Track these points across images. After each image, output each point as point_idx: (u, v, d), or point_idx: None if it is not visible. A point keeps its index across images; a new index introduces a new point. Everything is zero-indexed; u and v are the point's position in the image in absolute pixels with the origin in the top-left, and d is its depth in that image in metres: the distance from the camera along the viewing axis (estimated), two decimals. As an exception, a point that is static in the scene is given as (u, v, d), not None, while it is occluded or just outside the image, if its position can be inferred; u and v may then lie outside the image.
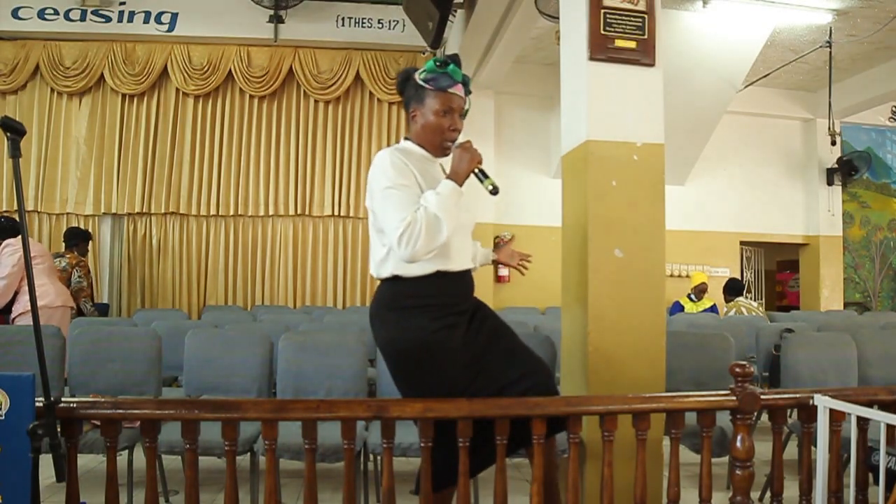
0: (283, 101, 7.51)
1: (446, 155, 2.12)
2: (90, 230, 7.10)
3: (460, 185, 2.00)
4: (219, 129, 7.39)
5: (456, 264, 2.06)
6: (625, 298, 2.70)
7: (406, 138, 2.18)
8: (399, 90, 2.20)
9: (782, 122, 8.68)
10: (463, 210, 2.04)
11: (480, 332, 2.11)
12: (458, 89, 2.08)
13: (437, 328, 2.00)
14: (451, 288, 2.05)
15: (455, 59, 2.10)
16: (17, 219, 4.56)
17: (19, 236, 4.50)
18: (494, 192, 2.03)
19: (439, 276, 2.01)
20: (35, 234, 7.01)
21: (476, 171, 2.04)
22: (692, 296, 7.01)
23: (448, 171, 2.06)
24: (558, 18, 3.20)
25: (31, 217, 7.04)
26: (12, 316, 4.40)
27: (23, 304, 4.38)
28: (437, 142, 2.10)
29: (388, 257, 2.03)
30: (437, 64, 2.06)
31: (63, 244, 5.74)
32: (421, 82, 2.08)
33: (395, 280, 2.04)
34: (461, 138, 2.13)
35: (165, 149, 7.27)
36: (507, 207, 7.68)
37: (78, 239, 5.69)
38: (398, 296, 2.04)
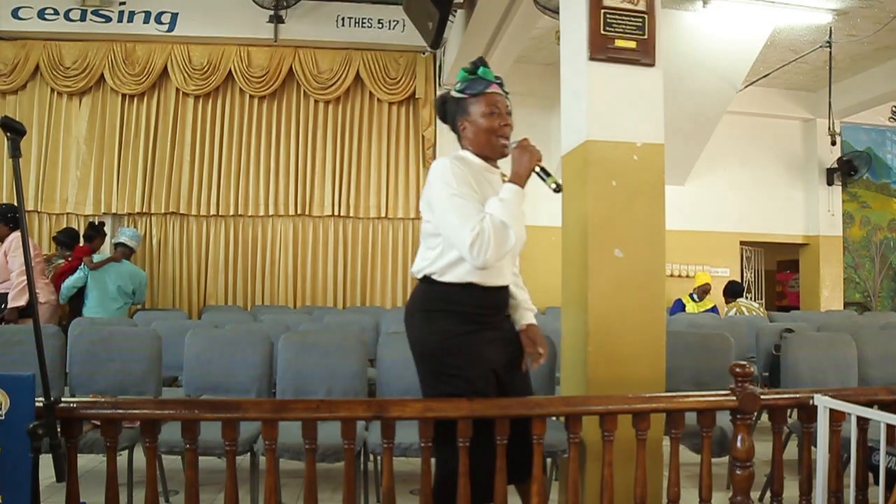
0: (283, 101, 7.50)
1: (504, 156, 2.12)
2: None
3: (522, 186, 2.01)
4: (219, 129, 7.39)
5: (490, 279, 2.05)
6: (625, 298, 2.70)
7: (464, 149, 2.16)
8: (440, 115, 2.19)
9: (782, 122, 8.67)
10: None
11: (507, 354, 2.13)
12: (495, 88, 2.07)
13: (462, 332, 2.02)
14: (481, 300, 2.06)
15: (481, 61, 2.09)
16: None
17: (15, 230, 4.52)
18: (558, 189, 2.04)
19: (471, 286, 2.03)
20: (35, 234, 7.00)
21: (537, 169, 2.03)
22: (694, 296, 7.02)
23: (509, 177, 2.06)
24: (558, 13, 3.20)
25: (31, 217, 7.03)
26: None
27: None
28: (493, 142, 2.08)
29: (434, 261, 2.05)
30: (468, 72, 2.06)
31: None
32: (458, 94, 2.08)
33: (429, 282, 2.07)
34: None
35: (165, 149, 7.26)
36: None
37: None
38: (429, 298, 2.07)
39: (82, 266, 5.53)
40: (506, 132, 2.09)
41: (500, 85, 2.11)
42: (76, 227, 7.10)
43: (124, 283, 5.62)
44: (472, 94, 2.06)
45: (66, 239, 5.79)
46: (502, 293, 2.14)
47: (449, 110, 2.15)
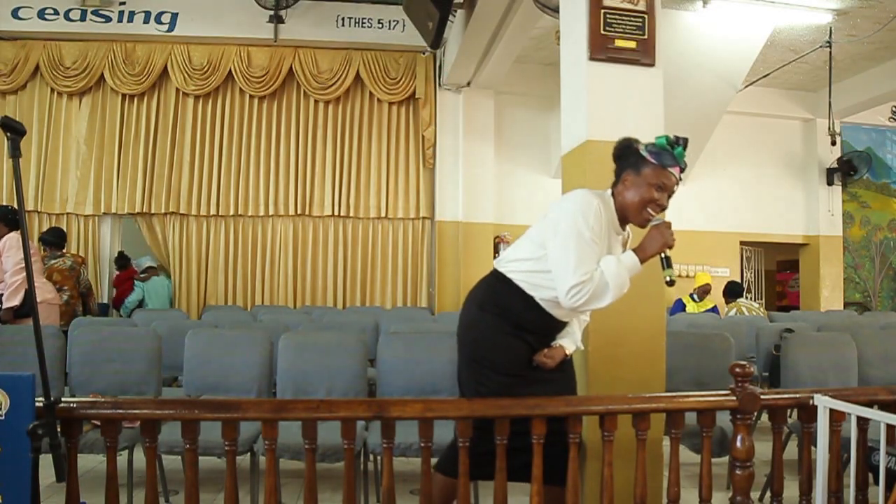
0: (283, 101, 7.50)
1: (641, 227, 2.13)
2: (90, 230, 7.14)
3: (642, 262, 2.03)
4: (219, 129, 7.38)
5: (554, 309, 2.11)
6: (625, 298, 2.68)
7: (612, 195, 2.16)
8: (615, 153, 2.19)
9: (782, 122, 8.67)
10: None
11: (552, 382, 2.15)
12: (676, 171, 2.08)
13: (505, 331, 2.10)
14: (534, 317, 2.12)
15: (685, 143, 2.10)
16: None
17: (13, 230, 4.50)
18: (670, 283, 2.07)
19: (532, 302, 2.09)
20: (34, 235, 6.99)
21: (662, 255, 2.06)
22: (695, 296, 7.01)
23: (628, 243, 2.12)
24: (558, 13, 3.20)
25: (31, 217, 7.03)
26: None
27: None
28: (640, 211, 2.09)
29: (521, 262, 2.12)
30: (668, 142, 2.08)
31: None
32: (644, 153, 2.09)
33: (500, 279, 2.15)
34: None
35: (165, 149, 7.26)
36: (507, 207, 7.68)
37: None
38: (490, 293, 2.17)
39: (137, 283, 6.97)
40: (657, 210, 2.09)
41: (682, 170, 2.11)
42: (77, 228, 7.13)
43: (168, 292, 7.18)
44: (655, 161, 2.06)
45: (52, 239, 5.82)
46: (557, 324, 2.19)
47: (626, 157, 2.14)
